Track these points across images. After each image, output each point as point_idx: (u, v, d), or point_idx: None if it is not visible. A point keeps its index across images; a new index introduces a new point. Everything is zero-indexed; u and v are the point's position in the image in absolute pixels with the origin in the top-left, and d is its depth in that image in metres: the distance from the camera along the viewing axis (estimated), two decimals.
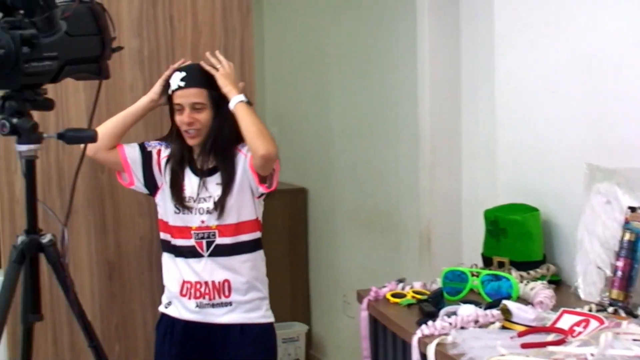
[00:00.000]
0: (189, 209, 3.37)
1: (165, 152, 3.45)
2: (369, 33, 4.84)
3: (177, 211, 3.39)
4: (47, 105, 2.56)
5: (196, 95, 3.34)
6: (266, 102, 5.92)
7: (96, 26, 2.57)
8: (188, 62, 3.48)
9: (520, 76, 3.44)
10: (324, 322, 5.71)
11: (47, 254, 2.65)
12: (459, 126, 4.04)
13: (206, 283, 3.39)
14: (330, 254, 5.51)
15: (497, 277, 2.96)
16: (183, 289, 3.42)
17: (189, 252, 3.39)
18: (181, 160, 3.41)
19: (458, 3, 3.98)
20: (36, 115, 2.57)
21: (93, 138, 2.56)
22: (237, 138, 3.37)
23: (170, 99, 3.40)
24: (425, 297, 2.93)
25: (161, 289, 3.61)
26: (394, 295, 3.01)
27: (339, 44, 5.21)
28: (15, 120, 2.45)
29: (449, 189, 4.09)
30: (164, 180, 3.43)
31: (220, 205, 3.35)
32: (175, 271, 3.44)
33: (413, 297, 2.97)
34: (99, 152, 3.36)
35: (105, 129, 3.38)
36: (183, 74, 3.36)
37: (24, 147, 2.51)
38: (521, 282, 2.96)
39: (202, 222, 3.37)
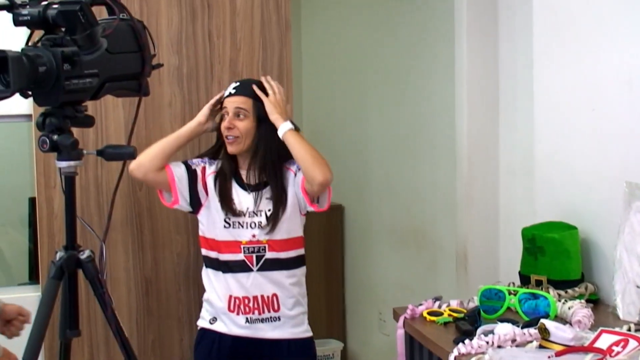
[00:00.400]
0: (240, 222, 3.41)
1: (210, 169, 3.48)
2: (406, 48, 4.85)
3: (227, 225, 3.42)
4: (87, 122, 2.58)
5: (241, 102, 3.40)
6: (303, 118, 5.94)
7: (136, 44, 2.59)
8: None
9: (559, 92, 3.43)
10: (359, 339, 5.71)
11: (85, 270, 2.67)
12: (497, 142, 4.04)
13: (255, 298, 3.43)
14: (366, 271, 5.51)
15: (535, 296, 2.95)
16: (230, 304, 3.44)
17: (237, 267, 3.42)
18: (230, 176, 3.46)
19: (496, 19, 3.98)
20: (75, 131, 2.60)
21: (132, 155, 2.59)
22: (286, 154, 3.42)
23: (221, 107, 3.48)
24: (462, 315, 2.93)
25: (198, 305, 3.64)
26: (430, 314, 3.01)
27: (376, 60, 5.23)
28: (55, 137, 2.48)
29: (486, 206, 4.08)
30: (209, 196, 3.46)
31: (272, 220, 3.40)
32: (221, 287, 3.46)
33: (450, 315, 2.97)
34: (149, 173, 3.41)
35: (154, 151, 3.43)
36: (237, 84, 3.46)
37: (64, 164, 2.53)
38: (559, 300, 2.95)
39: (253, 236, 3.41)
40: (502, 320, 2.75)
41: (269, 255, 3.41)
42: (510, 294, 2.98)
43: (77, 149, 2.52)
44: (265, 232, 3.40)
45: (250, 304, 3.42)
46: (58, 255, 2.65)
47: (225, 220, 3.42)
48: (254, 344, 3.45)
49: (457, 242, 4.18)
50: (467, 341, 2.57)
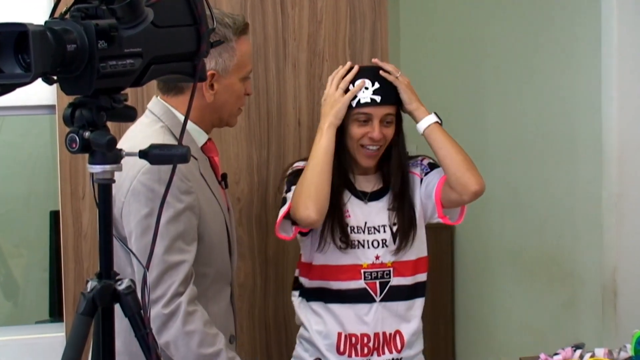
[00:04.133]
0: (360, 241, 3.41)
1: None
2: (538, 22, 4.82)
3: (343, 246, 3.40)
4: (128, 114, 2.57)
5: (390, 108, 3.39)
6: None
7: (191, 15, 2.60)
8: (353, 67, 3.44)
9: None
10: None
11: (123, 305, 2.67)
12: None
13: (376, 335, 3.44)
14: (482, 308, 5.50)
15: None
16: (341, 344, 3.44)
17: (355, 297, 3.42)
18: (340, 183, 3.41)
19: None
20: (112, 127, 2.61)
21: (184, 157, 2.58)
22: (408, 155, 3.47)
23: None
24: None
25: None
26: None
27: (494, 36, 5.21)
28: (87, 134, 2.48)
29: None
30: None
31: (401, 238, 3.41)
32: (331, 322, 3.45)
33: None
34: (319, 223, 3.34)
35: (316, 197, 3.27)
36: (375, 85, 3.37)
37: (98, 168, 2.52)
38: None
39: (377, 257, 3.42)
40: None
41: (395, 281, 3.43)
42: None
43: (114, 149, 2.52)
44: (391, 252, 3.41)
45: (370, 344, 3.44)
46: (89, 285, 2.65)
47: (340, 239, 3.40)
48: None
49: (603, 274, 4.15)
50: None
